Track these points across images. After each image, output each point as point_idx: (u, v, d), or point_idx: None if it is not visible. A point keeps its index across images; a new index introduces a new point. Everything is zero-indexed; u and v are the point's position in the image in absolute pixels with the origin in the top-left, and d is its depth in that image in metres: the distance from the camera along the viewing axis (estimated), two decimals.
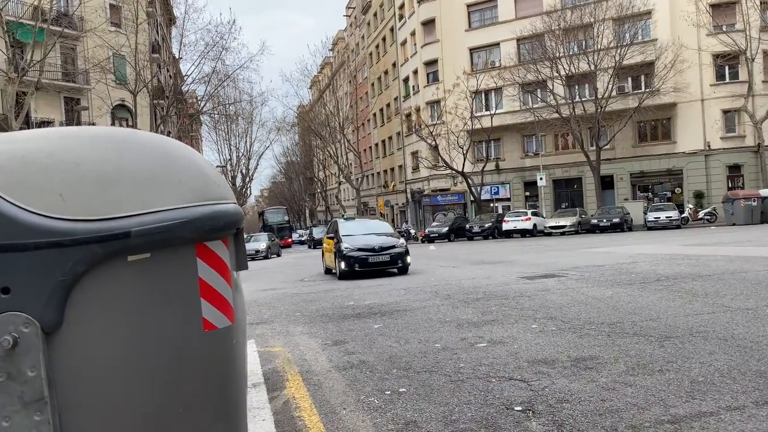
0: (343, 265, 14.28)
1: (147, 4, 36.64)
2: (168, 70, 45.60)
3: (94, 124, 33.73)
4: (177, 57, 40.30)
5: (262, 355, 5.72)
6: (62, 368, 1.70)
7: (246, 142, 60.48)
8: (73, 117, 34.04)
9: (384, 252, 14.33)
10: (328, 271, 16.56)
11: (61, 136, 1.88)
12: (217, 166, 54.71)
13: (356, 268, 14.15)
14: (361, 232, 15.41)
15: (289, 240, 57.46)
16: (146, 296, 1.77)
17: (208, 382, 1.90)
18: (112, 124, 35.72)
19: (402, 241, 15.19)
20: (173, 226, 1.76)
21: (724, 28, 36.14)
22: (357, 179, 60.01)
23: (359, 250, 14.28)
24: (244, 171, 60.05)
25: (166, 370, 1.81)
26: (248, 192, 66.32)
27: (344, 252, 14.30)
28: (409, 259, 14.67)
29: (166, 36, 49.09)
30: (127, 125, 35.79)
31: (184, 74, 44.23)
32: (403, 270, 14.47)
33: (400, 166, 54.10)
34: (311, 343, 6.19)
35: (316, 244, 42.53)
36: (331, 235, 16.18)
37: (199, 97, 43.77)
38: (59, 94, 33.69)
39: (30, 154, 1.77)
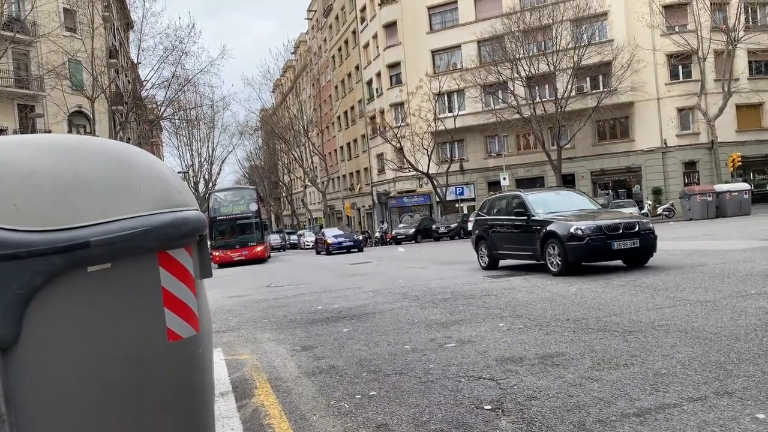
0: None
1: (103, 9, 35.85)
2: (126, 76, 44.72)
3: (50, 132, 32.83)
4: (135, 62, 39.57)
5: (230, 364, 5.64)
6: (20, 384, 1.65)
7: (208, 146, 59.87)
8: (27, 124, 33.06)
9: None
10: None
11: (15, 145, 1.82)
12: (179, 172, 53.62)
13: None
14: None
15: (260, 248, 31.20)
16: (108, 308, 1.73)
17: (174, 393, 1.86)
18: (69, 131, 34.81)
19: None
20: (134, 235, 1.72)
21: (676, 29, 37.20)
22: (323, 182, 59.78)
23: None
24: (206, 176, 59.39)
25: (131, 382, 1.77)
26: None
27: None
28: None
29: (124, 41, 48.14)
30: (85, 132, 34.96)
31: (143, 79, 43.46)
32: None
33: (366, 169, 54.09)
34: (279, 350, 6.13)
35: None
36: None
37: (159, 103, 43.07)
38: (12, 101, 32.70)
39: None
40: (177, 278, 1.83)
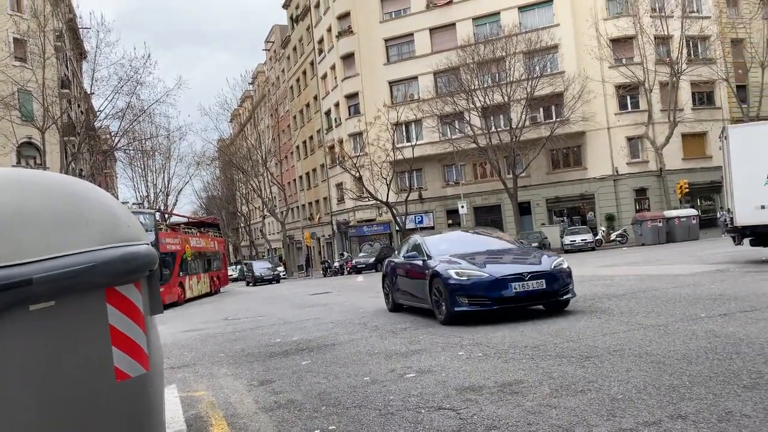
0: None
1: (55, 39, 35.23)
2: (79, 106, 43.83)
3: None
4: (89, 92, 38.85)
5: (185, 401, 5.47)
6: None
7: (164, 177, 58.85)
8: None
9: None
10: None
11: None
12: (133, 204, 52.29)
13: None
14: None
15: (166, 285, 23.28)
16: (52, 348, 1.66)
17: None
18: (18, 162, 33.78)
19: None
20: (80, 271, 1.66)
21: (623, 62, 38.76)
22: (282, 212, 59.37)
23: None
24: (162, 208, 58.19)
25: (77, 424, 1.69)
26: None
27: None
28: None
29: (77, 71, 47.30)
30: (35, 164, 33.96)
31: (96, 110, 42.67)
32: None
33: (325, 198, 54.02)
34: (236, 385, 5.99)
35: None
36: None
37: (113, 133, 42.25)
38: None
39: None
40: (125, 315, 1.77)
